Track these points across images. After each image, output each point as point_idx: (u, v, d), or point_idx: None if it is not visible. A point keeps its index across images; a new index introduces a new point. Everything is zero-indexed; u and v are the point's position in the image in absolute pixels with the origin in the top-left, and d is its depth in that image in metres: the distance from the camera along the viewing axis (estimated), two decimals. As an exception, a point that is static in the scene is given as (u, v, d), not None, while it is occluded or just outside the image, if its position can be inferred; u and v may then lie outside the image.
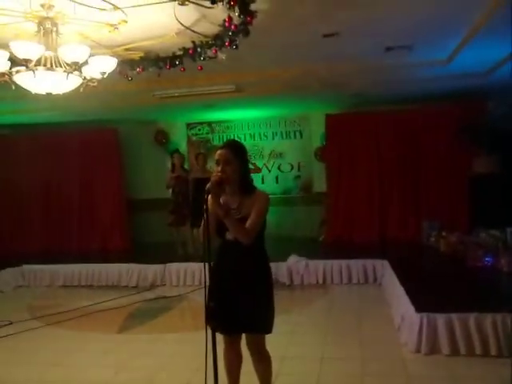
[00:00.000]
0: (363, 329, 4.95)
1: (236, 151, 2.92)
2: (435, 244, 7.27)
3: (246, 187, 2.93)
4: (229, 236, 2.87)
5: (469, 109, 7.77)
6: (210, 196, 2.73)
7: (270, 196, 2.99)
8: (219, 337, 2.84)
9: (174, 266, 7.34)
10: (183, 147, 9.64)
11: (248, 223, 2.81)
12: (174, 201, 8.00)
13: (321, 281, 6.95)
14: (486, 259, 5.91)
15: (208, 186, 2.69)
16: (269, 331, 2.97)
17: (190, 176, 8.04)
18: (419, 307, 4.32)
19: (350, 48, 5.47)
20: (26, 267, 7.78)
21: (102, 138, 9.27)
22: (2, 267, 7.54)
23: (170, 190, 8.09)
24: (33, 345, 4.98)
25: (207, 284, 2.79)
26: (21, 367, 4.37)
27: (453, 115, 7.90)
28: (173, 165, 8.15)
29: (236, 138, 9.41)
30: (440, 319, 4.13)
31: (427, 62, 6.06)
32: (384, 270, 6.65)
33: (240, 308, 2.88)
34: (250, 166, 3.08)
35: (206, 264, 2.67)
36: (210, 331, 2.63)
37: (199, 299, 5.96)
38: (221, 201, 2.79)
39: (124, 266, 7.52)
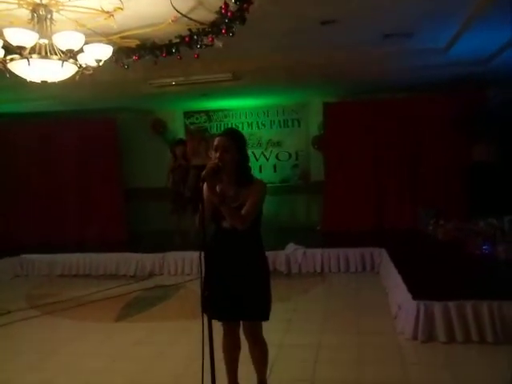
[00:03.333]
0: (360, 317, 4.96)
1: (235, 139, 2.90)
2: (433, 232, 7.26)
3: (244, 176, 2.91)
4: (225, 224, 2.87)
5: (468, 97, 7.74)
6: (205, 184, 2.71)
7: (267, 185, 2.99)
8: (217, 325, 2.84)
9: (171, 255, 7.35)
10: (181, 136, 9.59)
11: (244, 209, 2.80)
12: (175, 190, 7.97)
13: (318, 269, 6.97)
14: (484, 247, 5.91)
15: (203, 173, 2.66)
16: (265, 318, 2.97)
17: (191, 164, 7.99)
18: (416, 295, 4.32)
19: (349, 35, 5.43)
20: (24, 257, 7.80)
21: (100, 127, 9.21)
22: (0, 257, 7.56)
23: (171, 180, 8.03)
24: (31, 333, 5.01)
25: (203, 272, 2.79)
26: (20, 355, 4.39)
27: (452, 103, 7.86)
28: (174, 154, 8.10)
29: (234, 127, 9.39)
30: (437, 307, 4.14)
31: (426, 49, 6.02)
32: (381, 258, 6.66)
33: (236, 295, 2.88)
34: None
35: (202, 252, 2.66)
36: (206, 320, 2.62)
37: (197, 288, 5.95)
38: (217, 189, 2.78)
39: (122, 256, 7.53)
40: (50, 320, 5.41)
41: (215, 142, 2.87)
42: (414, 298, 4.29)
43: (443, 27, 5.29)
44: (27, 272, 7.72)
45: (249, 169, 2.97)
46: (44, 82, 4.02)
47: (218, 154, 2.82)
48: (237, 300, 2.89)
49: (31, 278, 7.57)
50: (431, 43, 5.87)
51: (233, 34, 4.28)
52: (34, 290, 6.78)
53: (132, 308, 5.72)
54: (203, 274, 2.80)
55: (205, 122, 9.84)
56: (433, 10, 4.71)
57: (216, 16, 4.29)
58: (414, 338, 4.16)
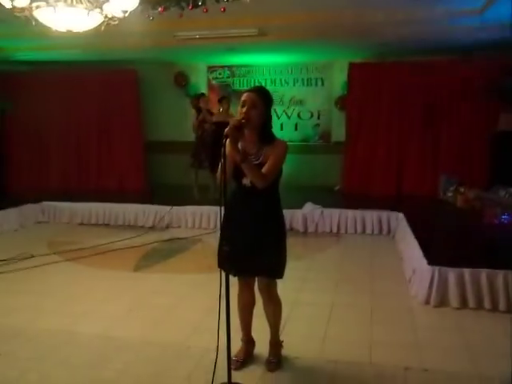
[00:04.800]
0: (374, 279, 5.03)
1: (263, 96, 2.89)
2: (452, 199, 7.22)
3: (267, 135, 2.91)
4: (245, 181, 2.88)
5: (499, 63, 7.49)
6: (228, 140, 2.71)
7: (288, 143, 2.98)
8: (233, 279, 2.90)
9: (189, 209, 7.44)
10: (203, 90, 9.52)
11: (265, 168, 2.81)
12: (196, 144, 7.99)
13: (335, 230, 7.01)
14: (503, 217, 5.87)
15: (226, 130, 2.66)
16: (280, 276, 3.03)
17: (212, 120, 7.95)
18: (431, 260, 4.34)
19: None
20: (45, 204, 7.97)
21: (121, 78, 9.19)
22: (23, 203, 7.74)
23: (195, 134, 8.02)
24: (53, 278, 5.18)
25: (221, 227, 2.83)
26: (43, 297, 4.56)
27: (482, 69, 7.62)
28: (198, 108, 8.03)
29: (257, 83, 9.29)
30: (451, 273, 4.17)
31: (459, 11, 5.81)
32: (398, 222, 6.66)
33: (252, 251, 2.92)
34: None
35: (221, 207, 2.69)
36: (223, 274, 2.68)
37: (214, 242, 6.04)
38: (239, 146, 2.78)
39: (141, 207, 7.65)
40: (70, 266, 5.58)
41: (243, 98, 2.86)
42: (429, 263, 4.31)
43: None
44: (49, 219, 7.91)
45: (271, 128, 2.96)
46: (69, 31, 3.99)
47: (244, 109, 2.81)
48: (252, 256, 2.94)
49: (52, 224, 7.76)
50: (465, 5, 5.66)
51: (261, -12, 4.19)
52: (56, 237, 6.95)
53: (150, 258, 5.85)
54: (221, 229, 2.85)
55: (228, 78, 9.73)
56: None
57: (245, -32, 4.19)
58: (427, 302, 4.21)
